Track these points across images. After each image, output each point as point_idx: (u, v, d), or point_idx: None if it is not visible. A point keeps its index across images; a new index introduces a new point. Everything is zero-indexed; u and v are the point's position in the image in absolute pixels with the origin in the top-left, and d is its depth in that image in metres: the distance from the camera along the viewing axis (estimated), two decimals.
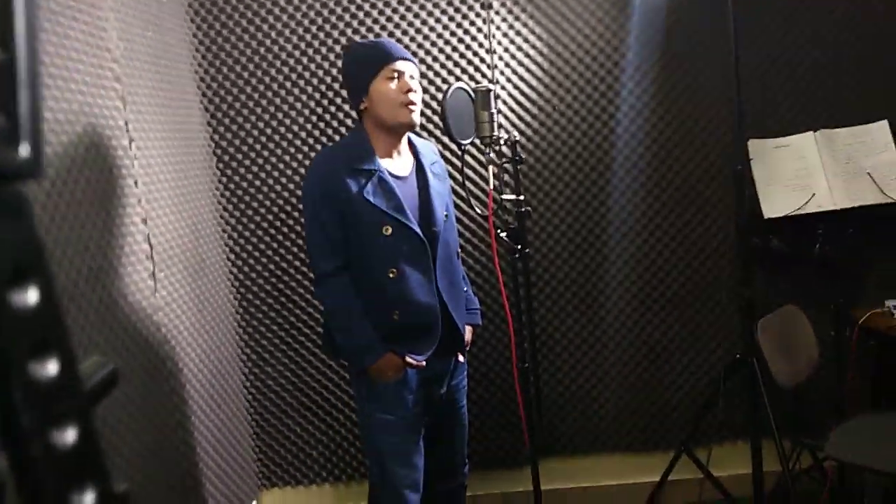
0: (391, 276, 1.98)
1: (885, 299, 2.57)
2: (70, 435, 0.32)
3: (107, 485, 0.33)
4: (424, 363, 2.05)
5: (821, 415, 2.72)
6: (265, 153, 2.64)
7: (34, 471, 0.30)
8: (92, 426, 0.33)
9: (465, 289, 2.26)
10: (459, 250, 2.28)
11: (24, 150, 0.30)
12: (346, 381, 2.74)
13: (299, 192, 2.63)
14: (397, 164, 2.06)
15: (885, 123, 2.50)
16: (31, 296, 0.31)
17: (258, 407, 2.78)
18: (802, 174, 2.54)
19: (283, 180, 2.65)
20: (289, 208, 2.67)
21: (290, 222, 2.67)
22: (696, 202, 2.68)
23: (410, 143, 2.14)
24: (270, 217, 2.67)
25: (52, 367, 0.31)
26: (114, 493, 0.34)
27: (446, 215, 2.12)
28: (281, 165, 2.64)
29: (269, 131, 2.62)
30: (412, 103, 1.99)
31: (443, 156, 2.61)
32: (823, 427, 2.64)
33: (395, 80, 1.98)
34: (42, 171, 0.30)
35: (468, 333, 2.24)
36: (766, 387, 2.40)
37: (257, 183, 2.65)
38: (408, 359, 2.02)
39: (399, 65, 1.99)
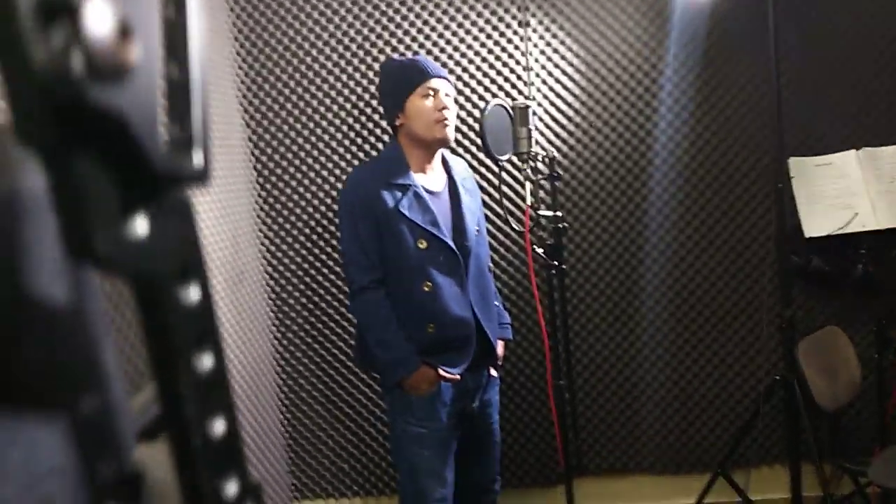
0: (426, 289, 2.00)
1: None
2: (220, 426, 0.34)
3: (246, 475, 0.35)
4: (459, 377, 2.05)
5: (863, 439, 2.65)
6: (304, 168, 2.68)
7: (195, 460, 0.32)
8: (236, 420, 0.35)
9: (497, 303, 2.26)
10: (491, 265, 2.28)
11: (197, 158, 0.32)
12: (379, 394, 2.75)
13: (336, 207, 2.66)
14: (431, 180, 2.09)
15: None
16: (195, 293, 0.33)
17: (291, 418, 2.80)
18: (845, 193, 2.49)
19: (321, 195, 2.69)
20: (325, 222, 2.70)
21: (327, 236, 2.70)
22: (736, 220, 2.65)
23: (443, 159, 2.16)
24: (308, 231, 2.71)
25: (208, 361, 0.33)
26: (250, 483, 0.36)
27: (478, 230, 2.13)
28: (319, 180, 2.68)
29: (307, 147, 2.67)
30: (447, 120, 2.02)
31: (479, 172, 2.62)
32: (866, 451, 2.58)
33: (431, 98, 2.01)
34: (210, 178, 0.32)
35: (500, 348, 2.24)
36: (806, 409, 2.35)
37: (295, 197, 2.69)
38: (441, 372, 2.03)
39: (434, 83, 2.02)
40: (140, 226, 0.30)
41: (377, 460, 2.82)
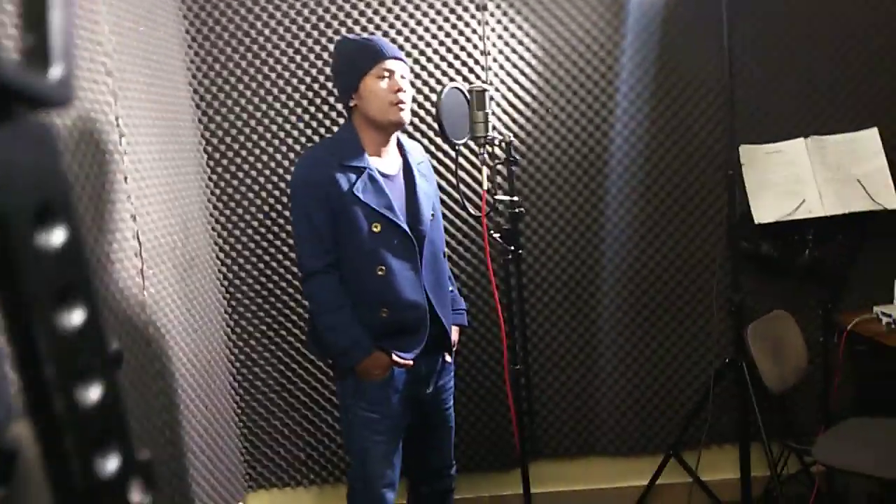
0: (379, 273, 1.97)
1: (873, 305, 2.59)
2: (94, 392, 0.29)
3: (130, 449, 0.31)
4: (412, 362, 2.04)
5: (808, 419, 2.74)
6: (256, 151, 2.61)
7: (57, 428, 0.28)
8: (117, 384, 0.30)
9: (451, 289, 2.25)
10: (446, 250, 2.27)
11: (56, 72, 0.27)
12: (334, 381, 2.72)
13: (289, 191, 2.61)
14: (386, 163, 2.06)
15: (875, 131, 2.53)
16: (57, 236, 0.28)
17: (245, 407, 2.75)
18: (793, 180, 2.55)
19: (275, 178, 2.63)
20: (279, 207, 2.64)
21: (281, 221, 2.65)
22: (689, 206, 2.69)
23: (398, 142, 2.13)
24: (261, 216, 2.65)
25: (77, 317, 0.29)
26: (137, 459, 0.31)
27: (433, 215, 2.12)
28: (272, 164, 2.62)
29: (260, 129, 2.60)
30: (402, 102, 1.99)
31: (436, 156, 2.60)
32: (811, 431, 2.67)
33: (386, 79, 1.98)
34: (72, 97, 0.27)
35: (454, 333, 2.23)
36: (755, 391, 2.41)
37: (248, 181, 2.63)
38: (395, 357, 2.01)
39: (390, 63, 1.98)
40: None
41: (333, 448, 2.79)
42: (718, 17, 2.38)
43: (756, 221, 2.53)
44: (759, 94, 2.63)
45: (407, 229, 2.00)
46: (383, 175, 2.01)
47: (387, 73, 1.98)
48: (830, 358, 2.65)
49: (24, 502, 0.30)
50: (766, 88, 2.63)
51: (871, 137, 2.53)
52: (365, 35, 2.37)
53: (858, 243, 2.66)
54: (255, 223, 2.65)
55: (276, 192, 2.64)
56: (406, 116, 2.02)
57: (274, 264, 2.68)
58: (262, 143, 2.61)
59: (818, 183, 2.53)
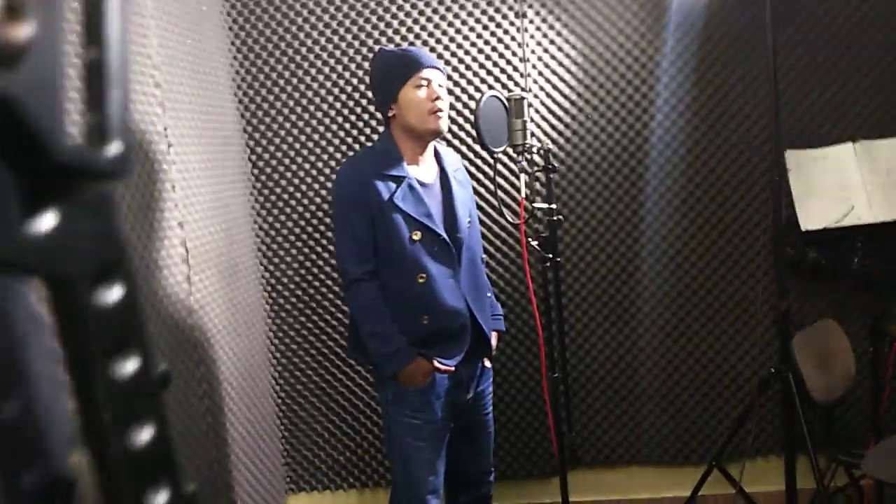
0: (420, 280, 1.99)
1: None
2: (146, 434, 0.32)
3: (178, 484, 0.34)
4: (454, 368, 2.05)
5: (857, 432, 2.66)
6: (298, 159, 2.67)
7: (112, 470, 0.31)
8: (166, 425, 0.33)
9: (489, 294, 2.26)
10: (485, 256, 2.28)
11: (114, 148, 0.30)
12: (374, 386, 2.75)
13: (331, 199, 2.65)
14: (423, 171, 2.08)
15: None
16: (115, 293, 0.31)
17: (287, 411, 2.80)
18: (841, 186, 2.49)
19: (316, 186, 2.68)
20: (321, 214, 2.69)
21: (322, 228, 2.70)
22: (733, 213, 2.64)
23: (434, 150, 2.15)
24: (303, 223, 2.70)
25: (131, 366, 0.32)
26: (184, 493, 0.34)
27: (469, 221, 2.13)
28: (314, 172, 2.67)
29: (302, 138, 2.65)
30: (440, 111, 2.01)
31: (475, 164, 2.62)
32: (860, 444, 2.59)
33: (424, 88, 2.00)
34: (131, 171, 0.30)
35: (493, 339, 2.24)
36: (801, 402, 2.35)
37: (290, 189, 2.68)
38: (436, 363, 2.03)
39: (427, 73, 2.01)
40: (45, 223, 0.28)
41: (373, 452, 2.82)
42: (762, 21, 2.33)
43: (802, 228, 2.47)
44: (804, 97, 2.58)
45: (446, 236, 2.02)
46: (421, 184, 2.04)
47: (424, 82, 2.00)
48: (880, 369, 2.57)
49: None
50: (811, 92, 2.58)
51: None
52: (403, 46, 2.40)
53: None
54: (298, 230, 2.70)
55: (318, 200, 2.68)
56: (444, 125, 2.04)
57: (315, 270, 2.72)
58: (305, 152, 2.66)
59: (867, 189, 2.46)
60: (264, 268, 2.73)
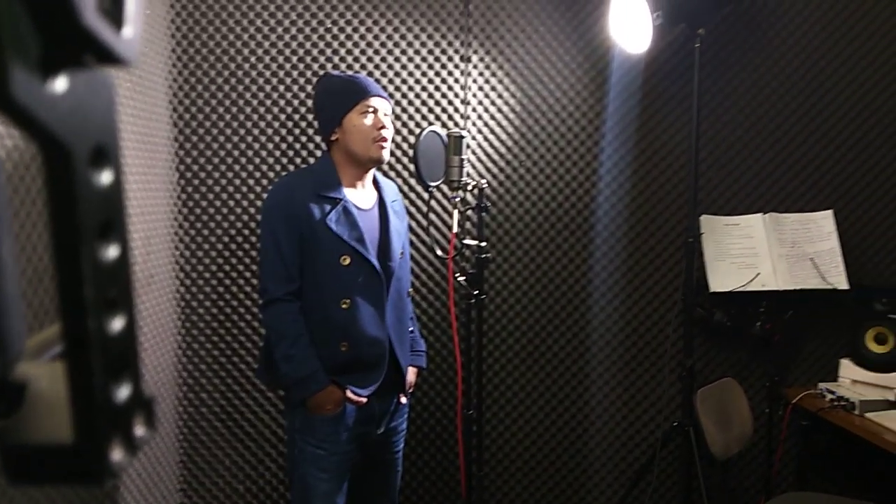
0: (344, 306, 1.97)
1: (819, 381, 2.67)
2: (119, 322, 0.31)
3: (139, 383, 0.33)
4: (365, 399, 2.02)
5: (750, 489, 2.77)
6: (229, 174, 2.61)
7: (87, 347, 0.29)
8: (135, 319, 0.32)
9: (412, 329, 2.26)
10: (411, 290, 2.28)
11: (127, 32, 0.30)
12: (282, 413, 2.67)
13: (259, 217, 2.60)
14: (361, 197, 2.08)
15: (829, 213, 2.65)
16: (106, 177, 0.31)
17: (188, 434, 2.67)
18: (750, 253, 2.65)
19: (245, 203, 2.62)
20: (246, 232, 2.63)
21: (246, 246, 2.63)
22: (648, 269, 2.76)
23: (374, 179, 2.16)
24: (226, 239, 2.63)
25: (113, 251, 0.31)
26: (144, 393, 0.33)
27: (402, 253, 2.13)
28: (244, 188, 2.62)
29: (235, 153, 2.61)
30: (384, 139, 2.02)
31: (409, 197, 2.64)
32: (751, 502, 2.70)
33: (370, 116, 2.01)
34: (136, 59, 0.30)
35: (411, 374, 2.22)
36: (700, 457, 2.44)
37: (217, 203, 2.61)
38: (349, 393, 1.99)
39: (374, 101, 2.03)
40: (60, 84, 0.28)
41: (275, 483, 2.72)
42: (690, 92, 2.49)
43: (711, 290, 2.61)
44: (724, 168, 2.75)
45: (377, 264, 2.01)
46: (358, 208, 2.03)
47: (371, 110, 2.01)
48: (774, 430, 2.71)
49: (31, 426, 0.31)
50: (731, 164, 2.75)
51: (825, 219, 2.65)
52: (350, 73, 2.42)
53: (807, 320, 2.75)
54: (220, 246, 2.63)
55: (245, 217, 2.63)
56: (386, 154, 2.05)
57: (234, 289, 2.64)
58: (237, 167, 2.61)
59: (773, 258, 2.63)
60: (180, 282, 2.63)
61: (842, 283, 2.56)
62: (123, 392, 0.31)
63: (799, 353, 2.80)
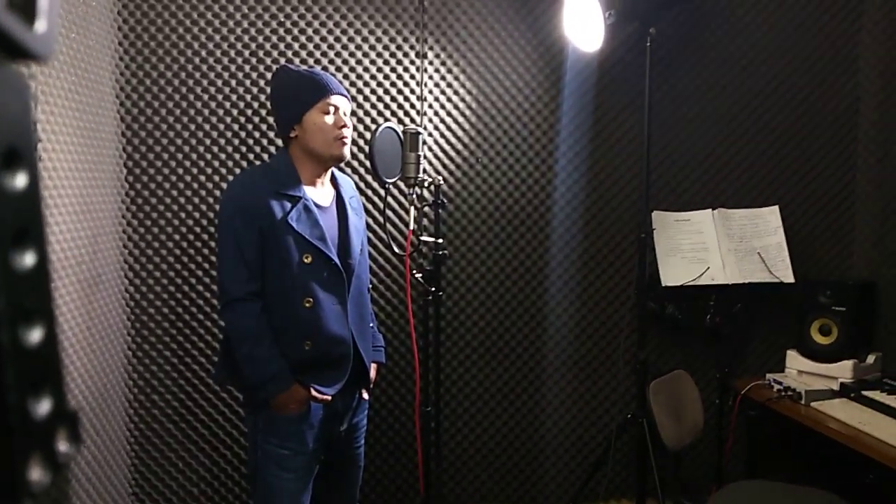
0: (307, 305, 1.94)
1: (767, 372, 2.75)
2: (36, 334, 0.30)
3: (62, 397, 0.31)
4: (330, 398, 2.00)
5: (702, 479, 2.84)
6: (179, 170, 2.55)
7: (1, 361, 0.28)
8: (56, 331, 0.31)
9: (372, 325, 2.24)
10: (370, 286, 2.27)
11: (40, 26, 0.28)
12: (238, 415, 2.63)
13: (210, 215, 2.55)
14: (320, 194, 2.05)
15: (776, 208, 2.73)
16: (20, 180, 0.29)
17: (139, 436, 2.61)
18: (699, 248, 2.71)
19: (196, 200, 2.56)
20: (198, 230, 2.57)
21: (198, 244, 2.58)
22: (602, 265, 2.80)
23: (332, 175, 2.14)
24: (177, 237, 2.57)
25: (29, 259, 0.29)
26: (67, 408, 0.31)
27: (361, 250, 2.12)
28: (195, 185, 2.56)
29: (186, 149, 2.54)
30: (345, 138, 2.00)
31: (365, 193, 2.62)
32: (704, 490, 2.77)
33: (332, 115, 1.99)
34: (52, 54, 0.28)
35: (372, 370, 2.21)
36: (653, 447, 2.49)
37: (167, 200, 2.55)
38: (313, 391, 1.97)
39: (335, 99, 2.00)
40: None
41: (230, 485, 2.68)
42: (642, 90, 2.54)
43: (663, 284, 2.66)
44: (675, 165, 2.81)
45: (338, 262, 1.99)
46: (318, 206, 2.00)
47: (332, 108, 1.99)
48: (725, 420, 2.78)
49: None
50: (681, 160, 2.81)
51: (772, 214, 2.73)
52: (306, 67, 2.39)
53: (756, 313, 2.83)
54: (171, 244, 2.57)
55: (196, 215, 2.57)
56: (347, 152, 2.03)
57: (186, 288, 2.59)
58: (187, 163, 2.55)
59: (722, 252, 2.69)
60: (129, 281, 2.56)
61: (788, 276, 2.64)
62: (43, 406, 0.30)
63: (747, 345, 2.88)
